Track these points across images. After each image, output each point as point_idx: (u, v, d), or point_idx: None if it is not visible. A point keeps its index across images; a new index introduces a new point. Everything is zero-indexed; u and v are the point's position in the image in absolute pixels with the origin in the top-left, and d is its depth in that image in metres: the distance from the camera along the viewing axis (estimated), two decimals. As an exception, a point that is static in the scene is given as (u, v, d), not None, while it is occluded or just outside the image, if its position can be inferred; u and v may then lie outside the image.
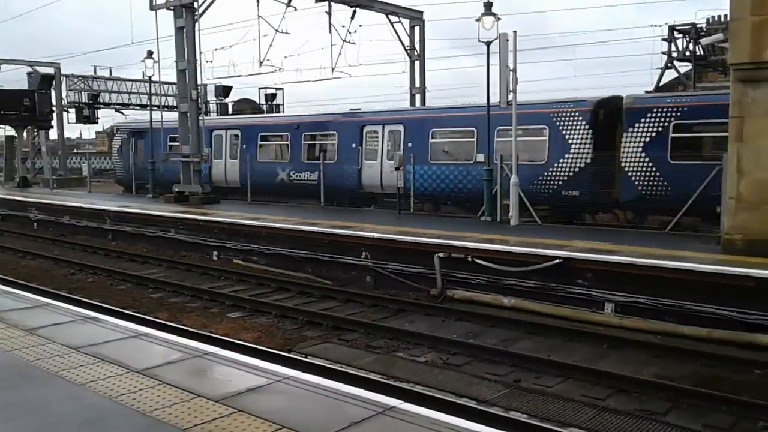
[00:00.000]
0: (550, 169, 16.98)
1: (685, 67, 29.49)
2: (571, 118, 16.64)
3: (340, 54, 24.85)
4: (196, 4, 21.34)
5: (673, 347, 9.32)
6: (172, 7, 21.51)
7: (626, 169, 15.93)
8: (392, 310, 11.81)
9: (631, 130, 15.98)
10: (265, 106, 40.94)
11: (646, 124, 15.82)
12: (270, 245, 15.60)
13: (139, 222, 19.45)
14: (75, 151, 45.77)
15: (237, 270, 15.28)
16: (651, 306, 10.26)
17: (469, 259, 12.14)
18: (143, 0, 22.11)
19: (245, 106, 37.85)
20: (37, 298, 8.39)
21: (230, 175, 24.57)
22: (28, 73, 35.86)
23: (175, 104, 27.60)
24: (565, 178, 16.68)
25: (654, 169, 15.60)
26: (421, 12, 26.59)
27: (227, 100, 40.73)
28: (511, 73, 15.33)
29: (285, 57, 27.59)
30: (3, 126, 37.79)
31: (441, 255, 12.39)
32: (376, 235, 13.83)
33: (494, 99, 16.09)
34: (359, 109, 22.57)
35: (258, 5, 23.03)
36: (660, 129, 15.66)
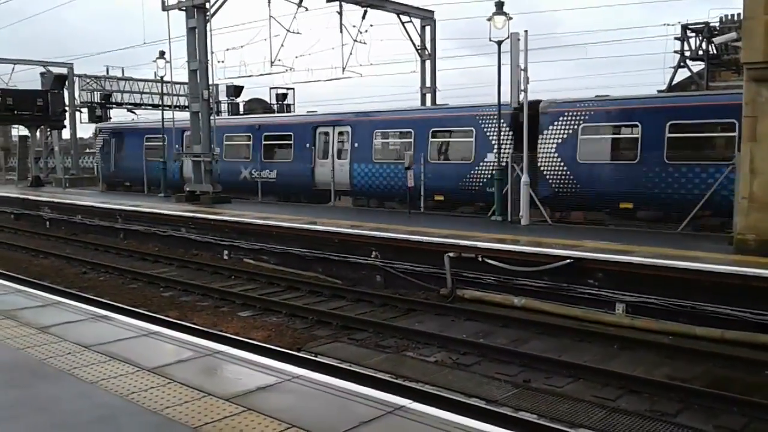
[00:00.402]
0: (476, 167, 18.23)
1: (697, 66, 29.33)
2: (495, 121, 17.44)
3: (351, 54, 24.89)
4: (207, 5, 21.42)
5: (684, 348, 9.27)
6: (183, 8, 21.60)
7: (542, 168, 17.03)
8: (402, 310, 11.80)
9: (546, 132, 17.11)
10: (276, 105, 41.05)
11: (559, 127, 16.98)
12: (280, 244, 15.63)
13: (150, 221, 19.55)
14: (87, 150, 46.13)
15: (247, 269, 15.33)
16: (662, 306, 10.20)
17: (480, 258, 12.12)
18: (155, 1, 22.22)
19: (256, 105, 37.95)
20: (48, 296, 8.44)
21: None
22: (42, 74, 36.12)
23: (186, 104, 27.69)
24: (490, 176, 17.58)
25: (565, 168, 16.71)
26: (432, 12, 26.56)
27: (238, 100, 40.87)
28: (522, 72, 15.30)
29: (296, 57, 27.65)
30: (16, 126, 38.16)
31: (451, 255, 12.37)
32: (386, 234, 13.83)
33: (505, 98, 16.07)
34: (315, 111, 24.29)
35: (269, 5, 23.10)
36: (570, 131, 16.73)
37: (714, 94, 16.52)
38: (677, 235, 13.70)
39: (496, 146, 17.31)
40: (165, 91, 31.84)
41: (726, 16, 28.85)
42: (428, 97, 26.45)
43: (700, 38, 28.30)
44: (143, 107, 43.44)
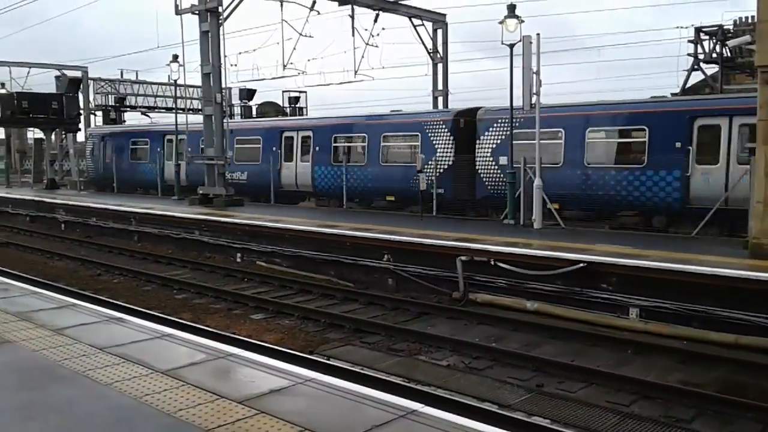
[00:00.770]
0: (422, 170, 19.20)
1: (711, 69, 29.11)
2: (437, 127, 19.38)
3: (363, 57, 24.96)
4: (220, 9, 21.53)
5: (699, 353, 9.19)
6: (197, 12, 21.72)
7: (479, 171, 18.59)
8: (414, 313, 11.80)
9: (482, 137, 18.63)
10: (288, 108, 41.19)
11: (493, 133, 18.42)
12: (292, 247, 15.68)
13: (163, 224, 19.66)
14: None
15: (260, 272, 15.37)
16: (677, 311, 10.13)
17: (492, 262, 12.09)
18: (169, 4, 22.36)
19: (269, 109, 38.09)
20: (64, 298, 8.51)
21: (181, 175, 27.03)
22: (57, 77, 36.44)
23: (200, 107, 27.88)
24: (433, 178, 19.07)
25: (499, 171, 17.96)
26: (444, 15, 26.60)
27: (251, 103, 41.03)
28: (534, 75, 15.26)
29: (308, 60, 27.73)
30: (32, 129, 38.51)
31: (463, 258, 12.35)
32: (398, 237, 13.83)
33: (518, 102, 16.04)
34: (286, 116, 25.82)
35: (282, 9, 23.22)
36: (503, 137, 17.90)
37: (629, 102, 17.43)
38: (691, 240, 13.61)
39: (440, 151, 19.22)
40: (179, 94, 32.05)
41: (740, 18, 28.63)
42: (440, 100, 26.47)
43: (714, 41, 28.09)
44: (157, 110, 43.76)
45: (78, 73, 38.00)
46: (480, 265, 12.27)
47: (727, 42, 26.96)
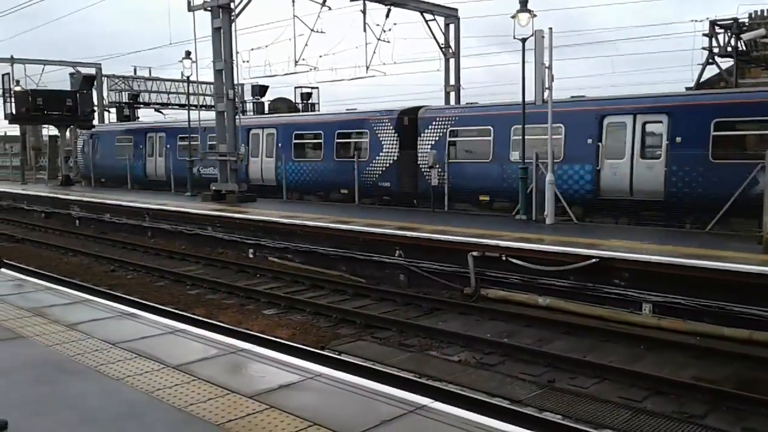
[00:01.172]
0: (370, 165, 21.11)
1: (726, 63, 28.81)
2: (383, 125, 20.89)
3: (374, 52, 24.87)
4: (232, 5, 21.55)
5: (712, 349, 9.13)
6: (209, 8, 21.77)
7: (420, 166, 19.86)
8: (426, 309, 11.78)
9: (423, 134, 20.04)
10: (300, 105, 41.25)
11: (433, 131, 19.84)
12: (304, 243, 15.71)
13: (177, 220, 19.76)
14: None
15: (272, 267, 15.41)
16: (690, 307, 10.06)
17: (504, 258, 12.05)
18: (181, 1, 22.43)
19: (281, 105, 38.18)
20: (77, 294, 8.57)
21: (158, 170, 29.28)
22: (71, 74, 36.70)
23: (212, 103, 28.01)
24: (380, 172, 20.80)
25: (438, 166, 19.08)
26: (456, 9, 26.44)
27: (263, 99, 41.14)
28: (546, 70, 15.17)
29: (320, 56, 27.73)
30: (46, 126, 38.79)
31: (475, 254, 12.32)
32: (410, 233, 13.82)
33: (530, 97, 15.96)
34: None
35: (293, 5, 23.15)
36: (441, 134, 19.59)
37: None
38: (706, 235, 13.49)
39: (386, 147, 20.74)
40: (191, 90, 32.18)
41: (755, 11, 28.32)
42: (452, 95, 26.37)
43: (729, 34, 27.78)
44: (170, 107, 43.97)
45: (92, 70, 38.25)
46: (492, 261, 12.24)
47: (742, 35, 26.65)
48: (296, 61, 24.73)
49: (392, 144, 20.68)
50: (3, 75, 34.11)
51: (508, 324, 10.73)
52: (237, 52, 22.17)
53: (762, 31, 23.07)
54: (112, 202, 23.22)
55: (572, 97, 18.37)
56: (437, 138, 19.65)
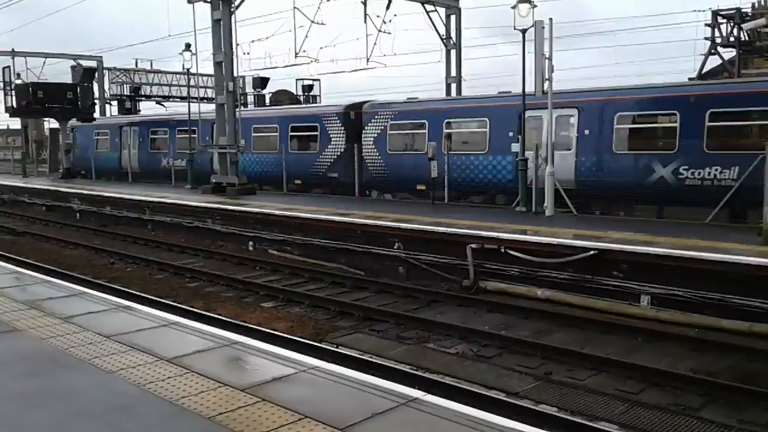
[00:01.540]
0: (320, 157, 22.59)
1: (729, 53, 28.66)
2: (331, 119, 22.25)
3: (375, 44, 24.84)
4: (232, -3, 21.50)
5: (710, 341, 9.11)
6: (209, 0, 21.70)
7: (365, 157, 21.26)
8: (424, 301, 11.77)
9: (366, 128, 21.30)
10: (302, 97, 41.15)
11: (375, 124, 21.13)
12: (303, 236, 15.70)
13: (177, 212, 19.76)
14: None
15: (271, 260, 15.42)
16: (689, 299, 10.03)
17: (503, 250, 12.03)
18: (181, -7, 22.37)
19: (282, 97, 38.07)
20: (73, 287, 8.57)
21: (132, 162, 31.11)
22: (72, 67, 36.66)
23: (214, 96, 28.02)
24: (329, 164, 22.22)
25: (380, 157, 20.92)
26: (457, 0, 26.34)
27: (265, 91, 41.04)
28: (546, 61, 15.10)
29: (321, 48, 27.69)
30: (47, 119, 38.78)
31: (473, 246, 12.30)
32: (408, 225, 13.79)
33: (530, 87, 15.90)
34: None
35: (294, -4, 23.13)
36: (382, 128, 20.91)
37: (475, 98, 20.84)
38: (706, 227, 13.45)
39: (333, 140, 22.18)
40: (192, 83, 32.14)
41: (758, 1, 28.15)
42: (453, 86, 26.30)
43: (732, 24, 27.63)
44: (171, 99, 43.94)
45: (93, 63, 38.21)
46: (490, 253, 12.22)
47: (743, 25, 26.50)
48: (296, 53, 24.72)
49: (339, 137, 22.12)
50: (4, 68, 34.10)
51: (507, 316, 10.72)
52: (237, 44, 22.16)
53: (762, 20, 22.93)
54: (112, 194, 23.22)
55: (499, 92, 20.10)
56: (379, 131, 21.05)
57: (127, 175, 30.60)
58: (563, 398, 7.30)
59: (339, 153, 22.07)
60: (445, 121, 19.55)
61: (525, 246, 11.85)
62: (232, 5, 21.58)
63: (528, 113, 16.79)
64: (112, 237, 19.88)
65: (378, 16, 24.57)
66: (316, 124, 22.84)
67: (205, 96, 37.22)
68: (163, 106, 43.67)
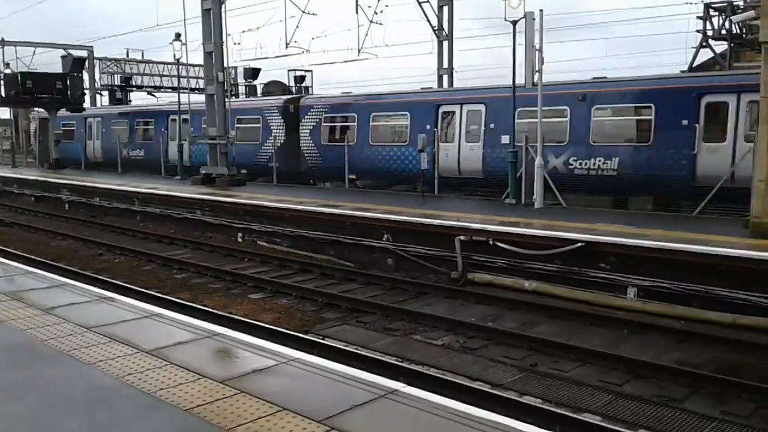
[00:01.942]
0: (263, 148, 24.09)
1: (721, 47, 28.65)
2: (272, 112, 23.73)
3: (366, 35, 24.76)
4: (222, -14, 21.34)
5: (696, 333, 9.13)
6: (198, -11, 21.54)
7: (302, 148, 23.05)
8: (412, 293, 11.76)
9: (303, 121, 23.08)
10: (294, 88, 40.97)
11: (311, 117, 22.93)
12: (293, 227, 15.65)
13: (166, 204, 19.67)
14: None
15: (261, 252, 15.37)
16: (675, 291, 10.06)
17: (491, 242, 12.02)
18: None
19: (274, 88, 37.85)
20: (56, 278, 8.51)
21: (96, 152, 33.00)
22: (62, 57, 36.31)
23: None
24: (270, 154, 23.43)
25: (315, 149, 22.67)
26: (450, -9, 26.22)
27: (256, 82, 40.84)
28: (537, 53, 15.06)
29: (312, 38, 27.58)
30: (37, 109, 38.46)
31: (462, 238, 12.29)
32: (397, 217, 13.76)
33: (520, 80, 15.86)
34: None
35: (284, -14, 23.00)
36: (317, 121, 22.74)
37: (396, 93, 22.23)
38: (693, 219, 13.49)
39: (274, 132, 23.58)
40: (183, 73, 31.95)
41: (751, -6, 28.11)
42: (445, 78, 26.22)
43: (723, 17, 27.60)
44: (162, 90, 43.65)
45: (83, 53, 37.88)
46: (479, 245, 12.21)
47: (732, 17, 26.47)
48: (287, 44, 24.64)
49: (279, 129, 23.66)
50: (-7, 57, 33.79)
51: (494, 308, 10.71)
52: (227, 34, 22.02)
53: (752, 13, 22.88)
54: (101, 185, 23.08)
55: (422, 88, 21.72)
56: (314, 124, 22.77)
57: (93, 164, 32.25)
58: (548, 390, 7.31)
59: (279, 144, 23.57)
60: (372, 114, 21.19)
61: (513, 238, 11.84)
62: (222, -5, 21.42)
63: (443, 108, 19.03)
64: (101, 228, 19.78)
65: (369, 7, 24.53)
66: (259, 117, 24.47)
67: (197, 87, 37.02)
68: (154, 96, 43.42)
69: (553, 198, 15.44)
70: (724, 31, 27.78)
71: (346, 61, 26.74)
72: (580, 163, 16.65)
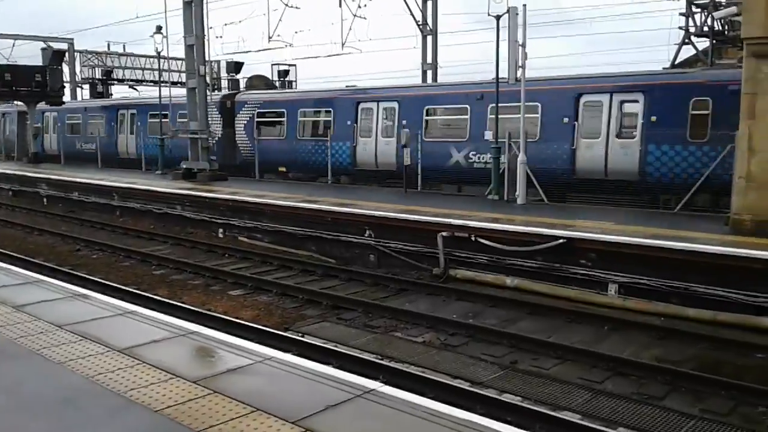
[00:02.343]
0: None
1: (703, 43, 28.76)
2: (211, 108, 23.40)
3: (350, 29, 24.61)
4: (203, -22, 21.09)
5: (676, 330, 9.14)
6: (180, -18, 21.28)
7: (237, 142, 24.13)
8: (393, 290, 11.68)
9: (238, 116, 24.10)
10: (278, 82, 40.68)
11: (245, 113, 23.92)
12: (274, 223, 15.52)
13: (146, 199, 19.43)
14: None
15: (241, 247, 15.22)
16: (656, 287, 10.06)
17: (473, 238, 11.97)
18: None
19: (258, 82, 37.47)
20: (30, 274, 8.35)
21: (53, 145, 33.76)
22: (43, 49, 35.75)
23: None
24: (208, 147, 23.17)
25: (249, 143, 23.58)
26: (434, -14, 26.09)
27: (239, 76, 40.48)
28: (520, 48, 15.02)
29: (295, 32, 27.38)
30: (17, 102, 37.90)
31: (444, 234, 12.23)
32: (379, 213, 13.68)
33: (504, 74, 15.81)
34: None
35: (267, -21, 22.79)
36: (251, 116, 23.66)
37: (322, 90, 23.51)
38: (674, 216, 13.53)
39: (212, 126, 23.28)
40: (164, 66, 31.59)
41: (733, -9, 28.21)
42: (429, 73, 26.11)
43: (706, 14, 27.68)
44: (144, 83, 43.18)
45: (64, 45, 37.36)
46: (461, 241, 12.16)
47: (714, 14, 26.57)
48: (270, 37, 24.43)
49: (217, 123, 24.27)
50: (-29, 50, 33.25)
51: (475, 305, 10.66)
52: (209, 27, 21.79)
53: (733, 9, 22.96)
54: (80, 180, 22.76)
55: (346, 86, 23.21)
56: (248, 119, 23.66)
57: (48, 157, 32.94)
58: (528, 387, 7.27)
59: (217, 138, 24.16)
60: (300, 110, 22.34)
61: (495, 234, 11.80)
62: (204, -13, 21.18)
63: (362, 105, 20.44)
64: (79, 223, 19.50)
65: (353, 1, 24.33)
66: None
67: (179, 80, 36.65)
68: (136, 89, 42.91)
69: (534, 194, 15.45)
70: (706, 28, 27.87)
71: (329, 56, 26.57)
72: (479, 158, 17.78)
